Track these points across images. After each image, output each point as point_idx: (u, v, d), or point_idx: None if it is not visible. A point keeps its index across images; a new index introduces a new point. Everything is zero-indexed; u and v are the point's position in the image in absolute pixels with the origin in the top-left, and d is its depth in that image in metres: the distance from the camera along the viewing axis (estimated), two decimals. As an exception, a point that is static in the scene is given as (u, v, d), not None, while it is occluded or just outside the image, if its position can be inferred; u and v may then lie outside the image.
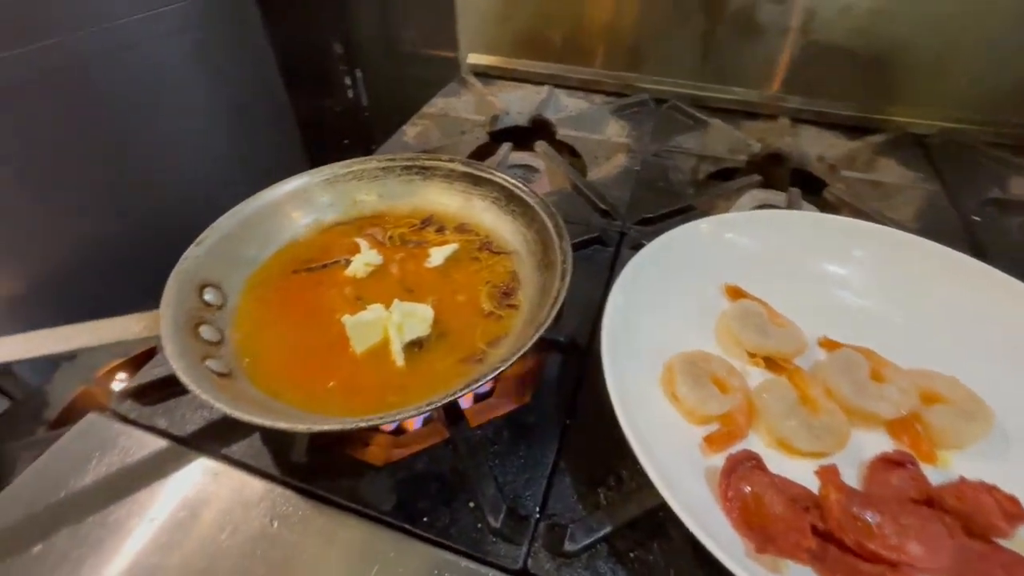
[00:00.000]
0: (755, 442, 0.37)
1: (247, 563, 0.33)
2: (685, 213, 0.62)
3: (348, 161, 0.54)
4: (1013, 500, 0.32)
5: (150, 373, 0.44)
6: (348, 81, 1.34)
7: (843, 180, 0.69)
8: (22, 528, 0.35)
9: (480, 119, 0.82)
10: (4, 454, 0.46)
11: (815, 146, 0.75)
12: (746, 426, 0.38)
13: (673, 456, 0.34)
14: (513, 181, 0.51)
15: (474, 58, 0.96)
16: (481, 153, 0.77)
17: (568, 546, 0.33)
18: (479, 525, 0.34)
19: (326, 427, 0.31)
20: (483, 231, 0.52)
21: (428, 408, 0.32)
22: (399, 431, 0.42)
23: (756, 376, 0.42)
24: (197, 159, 0.94)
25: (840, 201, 0.64)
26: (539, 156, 0.74)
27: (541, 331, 0.36)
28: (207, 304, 0.42)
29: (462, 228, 0.53)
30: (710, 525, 0.29)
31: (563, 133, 0.78)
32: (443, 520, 0.35)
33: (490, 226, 0.52)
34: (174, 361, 0.34)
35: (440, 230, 0.53)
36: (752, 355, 0.43)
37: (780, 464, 0.35)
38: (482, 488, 0.35)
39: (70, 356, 0.55)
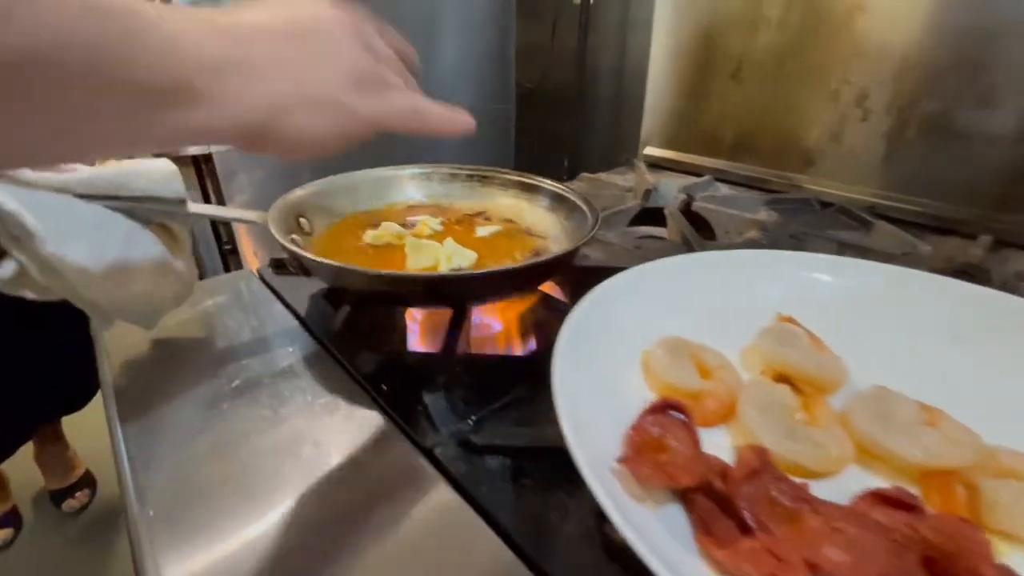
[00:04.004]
0: (721, 438, 0.31)
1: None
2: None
3: (428, 164, 0.66)
4: None
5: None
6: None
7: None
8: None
9: (634, 188, 0.89)
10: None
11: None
12: (716, 414, 0.32)
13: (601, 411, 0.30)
14: (558, 184, 0.59)
15: (650, 150, 1.06)
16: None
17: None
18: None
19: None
20: (526, 223, 0.59)
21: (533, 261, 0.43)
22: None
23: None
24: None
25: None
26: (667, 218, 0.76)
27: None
28: (300, 227, 0.54)
29: (509, 222, 0.60)
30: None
31: (699, 206, 0.79)
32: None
33: (533, 220, 0.59)
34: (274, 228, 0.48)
35: (488, 219, 0.61)
36: (777, 376, 0.36)
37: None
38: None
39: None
